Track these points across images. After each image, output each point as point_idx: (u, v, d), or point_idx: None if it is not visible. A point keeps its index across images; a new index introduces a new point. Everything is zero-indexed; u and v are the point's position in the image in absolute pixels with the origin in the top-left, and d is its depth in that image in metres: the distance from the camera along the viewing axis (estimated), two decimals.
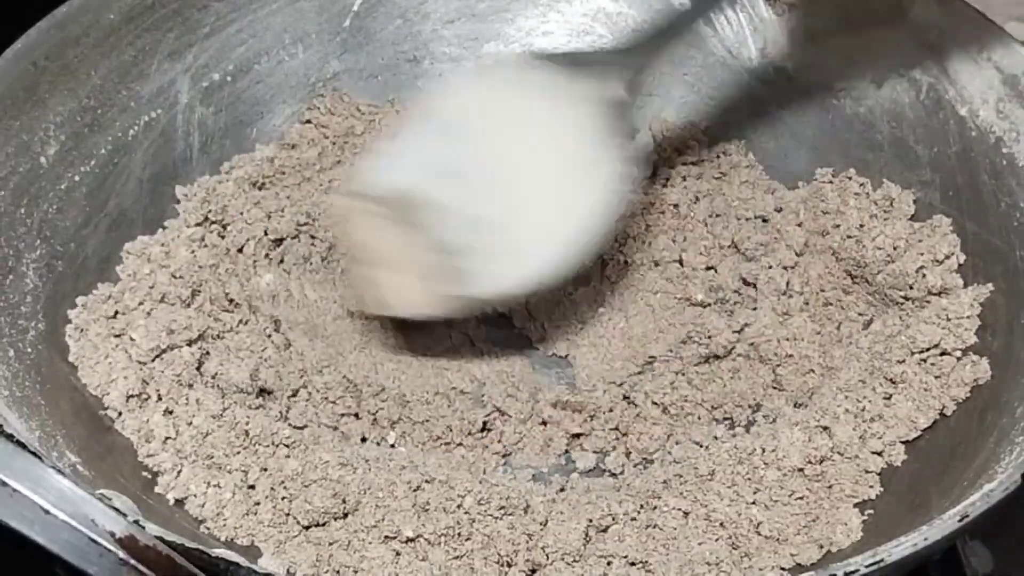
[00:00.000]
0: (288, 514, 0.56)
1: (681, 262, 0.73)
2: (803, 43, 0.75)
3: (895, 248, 0.67)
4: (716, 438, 0.65)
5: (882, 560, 0.45)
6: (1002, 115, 0.66)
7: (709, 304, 0.71)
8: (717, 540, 0.57)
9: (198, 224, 0.69)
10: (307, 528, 0.56)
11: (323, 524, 0.56)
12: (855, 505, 0.58)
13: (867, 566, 0.45)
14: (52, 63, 0.64)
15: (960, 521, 0.46)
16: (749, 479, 0.59)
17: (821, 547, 0.56)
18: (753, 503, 0.58)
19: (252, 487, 0.57)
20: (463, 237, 0.63)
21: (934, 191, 0.68)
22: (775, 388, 0.67)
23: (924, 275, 0.65)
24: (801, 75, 0.76)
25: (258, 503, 0.56)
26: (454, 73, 0.79)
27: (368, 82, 0.79)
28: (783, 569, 0.55)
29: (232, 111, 0.74)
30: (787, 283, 0.70)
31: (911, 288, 0.65)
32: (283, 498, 0.56)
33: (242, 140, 0.75)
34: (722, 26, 0.78)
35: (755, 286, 0.70)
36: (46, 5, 0.65)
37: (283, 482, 0.57)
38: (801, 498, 0.58)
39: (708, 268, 0.72)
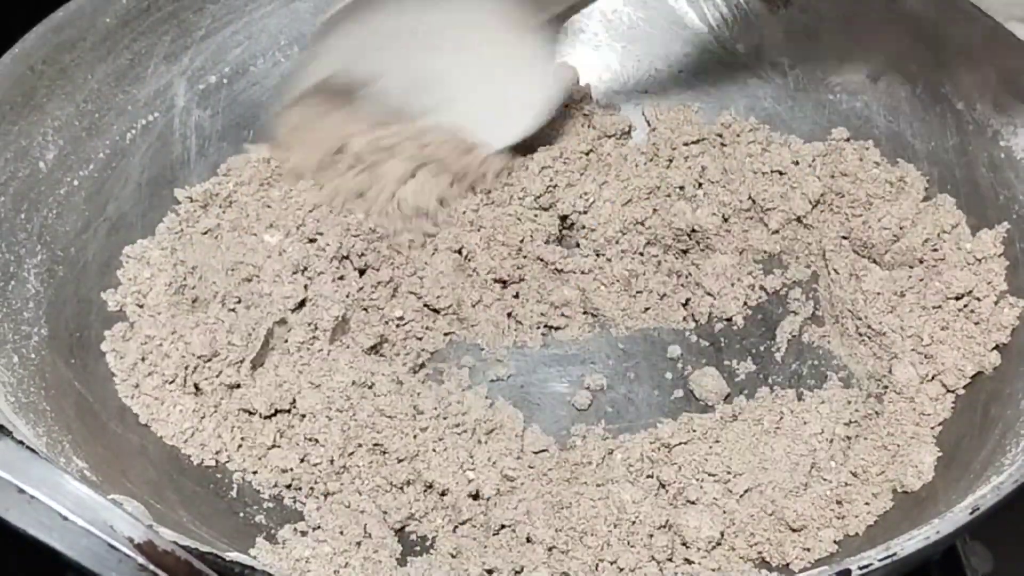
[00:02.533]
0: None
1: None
2: (798, 38, 0.75)
3: (900, 228, 0.67)
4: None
5: (895, 554, 0.45)
6: (999, 108, 0.66)
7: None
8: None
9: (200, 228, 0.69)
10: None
11: None
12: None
13: (880, 560, 0.45)
14: (49, 67, 0.64)
15: (972, 514, 0.47)
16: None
17: (895, 490, 0.59)
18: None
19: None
20: (417, 100, 0.64)
21: (932, 185, 0.69)
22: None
23: (935, 248, 0.65)
24: (796, 70, 0.76)
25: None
26: None
27: None
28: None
29: (229, 113, 0.74)
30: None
31: (921, 262, 0.66)
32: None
33: (239, 142, 0.74)
34: (717, 23, 0.78)
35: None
36: (42, 9, 0.65)
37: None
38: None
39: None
